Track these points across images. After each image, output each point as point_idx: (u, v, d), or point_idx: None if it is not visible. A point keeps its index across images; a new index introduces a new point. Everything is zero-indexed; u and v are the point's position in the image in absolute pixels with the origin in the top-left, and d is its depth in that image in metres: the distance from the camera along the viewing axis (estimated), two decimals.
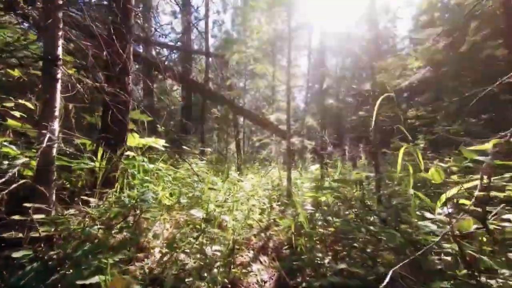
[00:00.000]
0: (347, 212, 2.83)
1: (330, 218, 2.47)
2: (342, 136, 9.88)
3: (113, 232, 1.29)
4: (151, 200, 1.61)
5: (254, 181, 5.50)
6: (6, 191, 1.06)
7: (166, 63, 7.72)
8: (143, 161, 2.02)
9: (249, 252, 2.41)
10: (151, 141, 2.89)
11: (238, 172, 6.19)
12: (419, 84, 4.75)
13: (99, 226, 1.21)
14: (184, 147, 3.48)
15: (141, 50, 7.13)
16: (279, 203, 4.37)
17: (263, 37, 4.48)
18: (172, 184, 2.42)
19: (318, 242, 2.37)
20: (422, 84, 4.72)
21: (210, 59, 8.81)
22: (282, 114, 6.44)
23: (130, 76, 2.08)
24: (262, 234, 2.90)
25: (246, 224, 2.34)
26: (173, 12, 9.42)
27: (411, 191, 1.31)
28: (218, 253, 1.66)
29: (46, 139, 1.17)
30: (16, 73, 1.89)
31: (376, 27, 3.89)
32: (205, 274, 1.43)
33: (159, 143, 2.93)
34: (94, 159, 1.72)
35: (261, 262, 2.22)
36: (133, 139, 2.81)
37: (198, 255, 1.72)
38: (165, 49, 8.30)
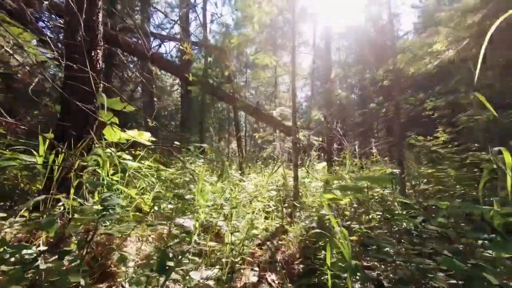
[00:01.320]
0: (370, 217, 2.37)
1: (353, 224, 2.02)
2: (351, 131, 9.37)
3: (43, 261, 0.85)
4: (118, 208, 1.16)
5: (257, 180, 5.06)
6: None
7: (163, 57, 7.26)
8: (112, 155, 1.57)
9: (253, 268, 1.95)
10: (134, 135, 2.44)
11: (240, 172, 5.74)
12: (441, 70, 4.26)
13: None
14: (177, 142, 3.02)
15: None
16: (286, 204, 3.91)
17: (265, 19, 4.02)
18: (159, 185, 1.97)
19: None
20: (444, 69, 4.22)
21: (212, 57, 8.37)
22: (286, 108, 5.97)
23: (99, 49, 1.63)
24: (269, 243, 2.45)
25: (249, 233, 1.88)
26: (169, 3, 8.98)
27: None
28: (211, 282, 1.20)
29: None
30: None
31: (389, 7, 3.41)
32: None
33: (144, 137, 2.48)
34: (36, 154, 1.28)
35: (269, 284, 1.76)
36: (113, 133, 2.36)
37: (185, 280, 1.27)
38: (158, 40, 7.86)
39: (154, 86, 12.71)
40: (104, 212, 1.19)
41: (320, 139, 6.17)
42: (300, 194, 4.22)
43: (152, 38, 6.61)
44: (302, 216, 3.25)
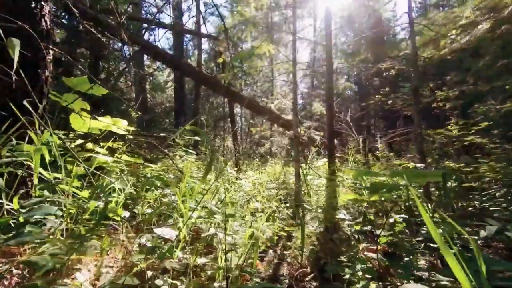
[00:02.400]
0: (389, 220, 1.99)
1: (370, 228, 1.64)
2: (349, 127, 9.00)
3: None
4: (51, 222, 0.75)
5: (254, 178, 4.68)
6: None
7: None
8: (60, 143, 1.14)
9: None
10: (107, 122, 2.01)
11: (236, 169, 5.36)
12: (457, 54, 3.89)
13: None
14: (163, 134, 2.58)
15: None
16: (287, 204, 3.52)
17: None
18: (131, 184, 1.56)
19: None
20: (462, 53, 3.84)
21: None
22: (285, 100, 5.56)
23: (46, 4, 1.18)
24: (271, 253, 2.05)
25: (249, 246, 1.48)
26: None
27: None
28: None
29: None
30: None
31: None
32: None
33: (120, 125, 2.05)
34: None
35: None
36: (79, 120, 1.94)
37: None
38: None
39: (147, 80, 12.19)
40: (30, 228, 0.77)
41: (322, 133, 5.79)
42: (302, 192, 3.84)
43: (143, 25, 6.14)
44: (307, 217, 2.87)
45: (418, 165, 2.18)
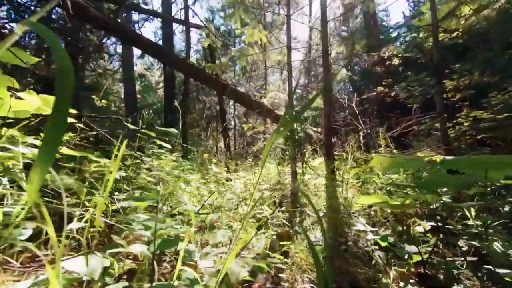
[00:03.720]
0: (417, 229, 1.52)
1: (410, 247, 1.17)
2: (345, 126, 8.57)
3: None
4: None
5: (246, 179, 4.20)
6: None
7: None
8: None
9: None
10: (35, 102, 1.51)
11: (226, 169, 4.88)
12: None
13: None
14: (130, 126, 2.05)
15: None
16: (283, 208, 3.04)
17: None
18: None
19: None
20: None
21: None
22: (279, 94, 5.10)
23: None
24: (263, 276, 1.55)
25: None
26: None
27: None
28: None
29: None
30: None
31: None
32: None
33: (49, 103, 1.54)
34: None
35: None
36: None
37: None
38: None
39: (136, 79, 11.62)
40: None
41: (319, 129, 5.35)
42: (301, 194, 3.37)
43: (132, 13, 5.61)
44: (307, 223, 2.39)
45: (447, 157, 1.73)
